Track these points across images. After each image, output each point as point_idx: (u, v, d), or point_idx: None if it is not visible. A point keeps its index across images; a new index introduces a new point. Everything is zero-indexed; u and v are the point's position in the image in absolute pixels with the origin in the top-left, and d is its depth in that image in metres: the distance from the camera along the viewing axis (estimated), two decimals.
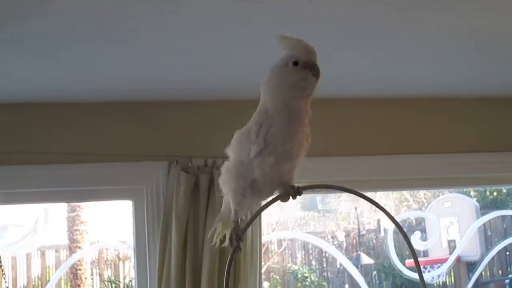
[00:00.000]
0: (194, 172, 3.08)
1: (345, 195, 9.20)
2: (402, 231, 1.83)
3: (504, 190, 9.74)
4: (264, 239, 7.46)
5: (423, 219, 8.76)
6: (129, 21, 2.17)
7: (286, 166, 1.67)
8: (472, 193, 9.60)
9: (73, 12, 2.05)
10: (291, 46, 1.69)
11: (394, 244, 8.68)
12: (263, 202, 1.75)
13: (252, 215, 1.76)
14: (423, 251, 8.10)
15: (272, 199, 1.73)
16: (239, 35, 2.38)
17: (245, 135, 1.67)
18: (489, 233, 9.12)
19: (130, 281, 8.12)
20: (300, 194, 1.70)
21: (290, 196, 1.71)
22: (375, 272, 9.35)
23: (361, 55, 2.75)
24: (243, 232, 1.72)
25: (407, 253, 7.56)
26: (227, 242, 1.74)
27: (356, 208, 9.79)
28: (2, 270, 3.21)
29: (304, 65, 1.65)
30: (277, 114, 1.65)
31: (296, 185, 1.70)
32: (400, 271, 6.97)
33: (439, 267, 7.43)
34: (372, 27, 2.38)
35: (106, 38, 2.33)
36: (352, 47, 2.64)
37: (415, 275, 6.19)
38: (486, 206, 9.92)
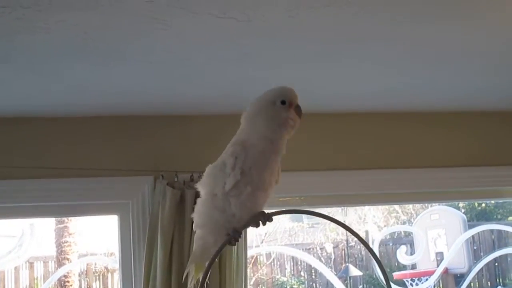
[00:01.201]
0: (180, 187, 3.08)
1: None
2: (369, 248, 1.87)
3: (493, 202, 9.77)
4: (252, 252, 7.46)
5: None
6: (116, 37, 2.18)
7: (261, 197, 1.72)
8: (461, 204, 9.63)
9: (61, 29, 2.06)
10: (278, 88, 1.79)
11: (381, 256, 8.71)
12: None
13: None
14: (412, 264, 8.11)
15: (244, 225, 1.76)
16: (225, 51, 2.40)
17: (219, 169, 1.72)
18: (478, 245, 9.14)
19: None
20: (270, 221, 1.75)
21: (260, 222, 1.76)
22: (360, 287, 9.35)
23: (348, 69, 2.77)
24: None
25: (396, 264, 7.58)
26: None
27: (344, 221, 9.80)
28: None
29: (290, 105, 1.76)
30: (256, 146, 1.70)
31: (266, 211, 1.75)
32: (384, 286, 6.96)
33: (427, 279, 7.43)
34: (357, 42, 2.40)
35: (93, 54, 2.34)
36: (337, 62, 2.65)
37: None
38: (474, 217, 9.95)
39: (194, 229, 1.84)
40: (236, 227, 1.73)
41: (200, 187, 1.79)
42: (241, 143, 1.74)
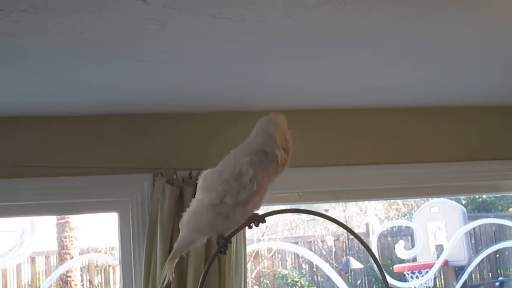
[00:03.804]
0: (179, 184, 3.10)
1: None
2: (364, 244, 1.89)
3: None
4: (252, 247, 7.48)
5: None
6: (113, 38, 2.19)
7: (261, 203, 1.75)
8: (461, 196, 9.64)
9: (57, 31, 2.07)
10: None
11: (382, 249, 8.71)
12: None
13: None
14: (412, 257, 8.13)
15: (237, 228, 1.78)
16: (221, 51, 2.41)
17: (234, 179, 1.72)
18: (479, 237, 9.15)
19: None
20: (263, 222, 1.78)
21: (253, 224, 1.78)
22: (359, 281, 9.36)
23: (344, 66, 2.78)
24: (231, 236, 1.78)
25: (396, 257, 7.58)
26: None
27: (344, 211, 9.81)
28: None
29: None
30: (267, 158, 1.72)
31: (259, 213, 1.77)
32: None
33: (427, 272, 7.45)
34: (352, 40, 2.41)
35: (90, 54, 2.35)
36: (333, 59, 2.66)
37: (397, 283, 6.22)
38: (475, 209, 9.96)
39: (185, 231, 1.84)
40: (225, 237, 1.75)
41: (205, 192, 1.78)
42: (255, 152, 1.76)
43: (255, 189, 1.71)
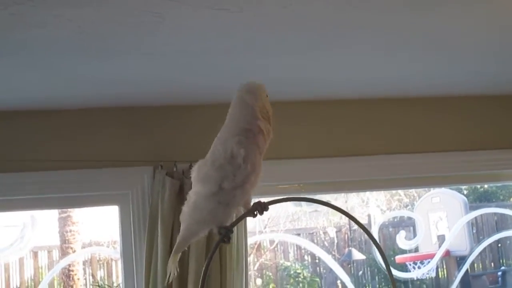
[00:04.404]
0: (179, 177, 3.10)
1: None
2: (370, 235, 1.88)
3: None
4: (254, 239, 7.49)
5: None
6: (111, 31, 2.19)
7: (258, 180, 1.73)
8: (463, 186, 9.63)
9: (55, 24, 2.06)
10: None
11: (384, 239, 8.70)
12: None
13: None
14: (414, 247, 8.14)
15: (240, 217, 1.77)
16: (220, 42, 2.41)
17: (228, 161, 1.70)
18: (481, 227, 9.15)
19: (118, 286, 8.13)
20: (267, 210, 1.76)
21: (257, 212, 1.76)
22: (361, 272, 9.37)
23: (343, 57, 2.78)
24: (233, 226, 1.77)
25: (398, 247, 7.59)
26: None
27: (346, 202, 9.81)
28: None
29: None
30: (254, 136, 1.70)
31: (262, 201, 1.75)
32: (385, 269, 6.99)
33: (429, 262, 7.46)
34: (351, 30, 2.41)
35: (88, 47, 2.35)
36: (332, 50, 2.66)
37: (399, 273, 6.23)
38: (477, 199, 9.95)
39: (186, 224, 1.83)
40: (227, 226, 1.74)
41: (201, 183, 1.77)
42: (240, 131, 1.74)
43: (250, 169, 1.69)
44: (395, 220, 9.62)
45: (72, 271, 7.92)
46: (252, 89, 1.79)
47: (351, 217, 1.92)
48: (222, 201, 1.73)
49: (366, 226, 1.98)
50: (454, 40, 2.63)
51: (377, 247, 1.92)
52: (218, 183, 1.72)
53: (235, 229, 1.99)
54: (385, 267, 1.87)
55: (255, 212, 1.79)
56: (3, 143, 3.12)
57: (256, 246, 8.94)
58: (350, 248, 9.16)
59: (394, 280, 1.86)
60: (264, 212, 1.79)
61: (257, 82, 1.82)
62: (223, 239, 1.74)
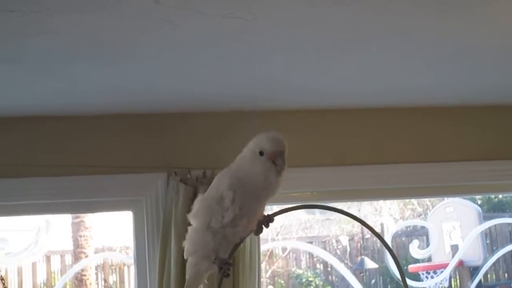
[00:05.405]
0: (193, 184, 3.10)
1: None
2: (385, 243, 1.87)
3: None
4: (267, 247, 7.48)
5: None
6: (124, 38, 2.20)
7: (254, 223, 1.73)
8: (477, 196, 9.60)
9: (69, 30, 2.08)
10: (260, 136, 1.74)
11: (397, 248, 8.67)
12: None
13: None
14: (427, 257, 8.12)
15: (233, 251, 1.77)
16: (233, 50, 2.41)
17: (216, 202, 1.71)
18: (495, 237, 9.11)
19: None
20: (272, 222, 1.76)
21: (263, 227, 1.76)
22: (373, 281, 9.34)
23: (355, 66, 2.78)
24: (230, 256, 1.76)
25: (411, 256, 7.57)
26: None
27: (359, 210, 9.80)
28: (4, 285, 3.24)
29: (269, 157, 1.69)
30: (250, 182, 1.69)
31: (266, 214, 1.75)
32: (399, 279, 6.98)
33: (442, 272, 7.43)
34: (363, 39, 2.41)
35: (102, 54, 2.36)
36: (345, 58, 2.66)
37: (412, 283, 6.21)
38: (490, 209, 9.91)
39: (185, 257, 1.84)
40: (224, 258, 1.74)
41: (194, 218, 1.77)
42: (236, 176, 1.74)
43: (238, 212, 1.69)
44: (408, 229, 9.60)
45: (85, 275, 7.96)
46: (263, 139, 1.74)
47: (366, 225, 1.91)
48: (212, 236, 1.73)
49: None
50: (469, 51, 2.63)
51: (392, 255, 1.91)
52: (207, 221, 1.73)
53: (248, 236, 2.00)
54: (398, 276, 1.86)
55: (262, 227, 1.79)
56: (19, 148, 3.14)
57: (268, 253, 8.94)
58: (363, 256, 9.15)
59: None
60: (275, 224, 1.80)
61: (273, 133, 1.76)
62: (224, 273, 1.74)
